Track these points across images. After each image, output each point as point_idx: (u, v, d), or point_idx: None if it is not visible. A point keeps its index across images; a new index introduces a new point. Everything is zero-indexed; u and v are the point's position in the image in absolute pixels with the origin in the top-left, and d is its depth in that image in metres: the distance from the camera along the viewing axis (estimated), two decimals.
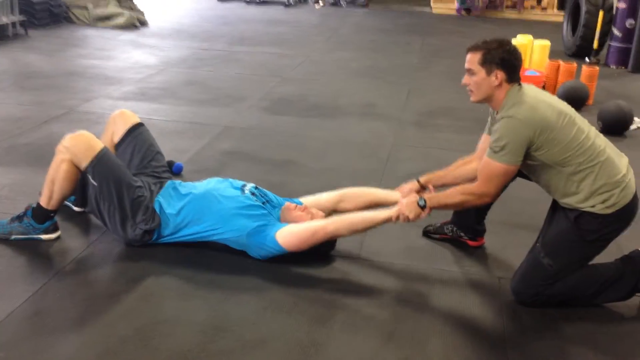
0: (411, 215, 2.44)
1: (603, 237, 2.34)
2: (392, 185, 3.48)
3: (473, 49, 2.35)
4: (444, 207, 2.48)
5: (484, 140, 2.59)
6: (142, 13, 8.31)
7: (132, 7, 8.29)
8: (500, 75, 2.31)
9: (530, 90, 2.35)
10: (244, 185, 2.76)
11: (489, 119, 2.55)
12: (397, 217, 2.48)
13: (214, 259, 2.65)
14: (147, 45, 6.94)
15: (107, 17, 7.82)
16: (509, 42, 2.36)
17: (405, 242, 2.89)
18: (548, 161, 2.28)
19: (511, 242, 2.91)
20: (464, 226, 2.84)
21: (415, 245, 2.87)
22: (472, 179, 2.55)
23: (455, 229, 2.86)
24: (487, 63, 2.31)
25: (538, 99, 2.30)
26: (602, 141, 2.35)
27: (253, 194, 2.71)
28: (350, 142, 4.19)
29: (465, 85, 2.40)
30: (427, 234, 2.94)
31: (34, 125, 4.22)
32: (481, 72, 2.32)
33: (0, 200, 3.10)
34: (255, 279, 2.53)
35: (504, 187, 2.36)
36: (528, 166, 2.35)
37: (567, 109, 2.34)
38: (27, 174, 3.44)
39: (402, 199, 2.58)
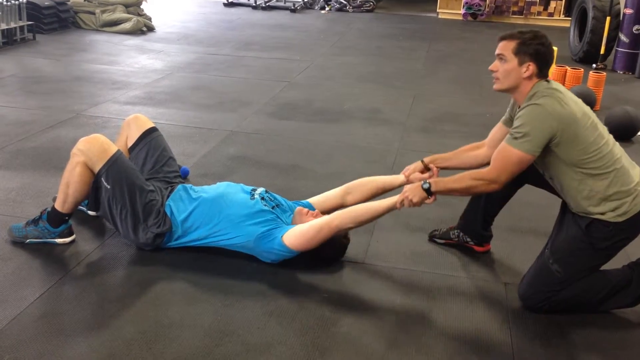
0: (415, 199, 2.36)
1: (613, 246, 2.33)
2: (397, 190, 3.48)
3: (508, 36, 2.31)
4: (450, 191, 2.38)
5: (498, 129, 2.58)
6: (149, 18, 8.35)
7: (139, 13, 8.33)
8: (532, 67, 2.28)
9: (560, 87, 2.32)
10: (254, 190, 2.76)
11: (508, 110, 2.53)
12: (402, 203, 2.42)
13: (219, 263, 2.65)
14: (153, 50, 6.97)
15: (115, 23, 7.86)
16: (545, 36, 2.32)
17: (410, 247, 2.88)
18: (566, 159, 2.25)
19: (517, 247, 2.90)
20: (470, 231, 2.83)
21: (420, 251, 2.86)
22: (478, 165, 2.55)
23: (461, 234, 2.85)
24: (521, 53, 2.28)
25: (566, 95, 2.29)
26: (619, 150, 2.33)
27: (263, 198, 2.71)
28: (355, 147, 4.19)
29: (492, 71, 2.36)
30: (432, 239, 2.93)
31: (41, 129, 4.24)
32: (513, 61, 2.29)
33: (8, 204, 3.12)
34: (260, 284, 2.53)
35: (513, 178, 2.30)
36: (545, 162, 2.31)
37: (591, 113, 2.33)
38: (34, 177, 3.45)
39: (407, 181, 2.58)
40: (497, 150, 2.30)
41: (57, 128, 4.29)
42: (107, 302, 2.37)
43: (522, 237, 3.01)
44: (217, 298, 2.42)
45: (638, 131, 4.59)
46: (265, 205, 2.67)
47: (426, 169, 2.68)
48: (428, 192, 2.36)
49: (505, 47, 2.31)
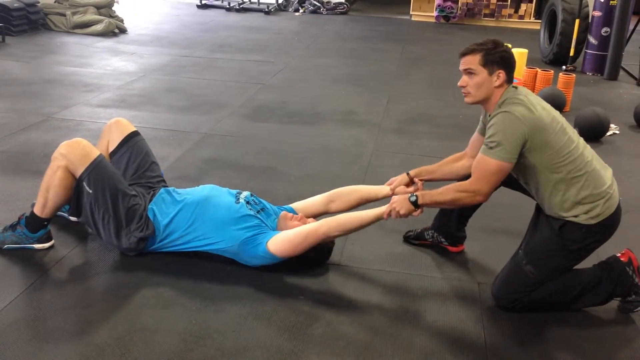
0: (402, 212, 2.39)
1: (586, 248, 2.37)
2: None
3: (470, 51, 2.33)
4: (436, 204, 2.42)
5: (475, 139, 2.60)
6: (121, 20, 8.26)
7: (111, 14, 8.23)
8: (502, 74, 2.30)
9: (527, 92, 2.35)
10: (239, 193, 2.74)
11: (481, 118, 2.55)
12: (389, 214, 2.44)
13: (193, 266, 2.63)
14: (126, 52, 6.90)
15: (86, 24, 7.76)
16: (503, 43, 2.35)
17: (385, 248, 2.90)
18: (538, 164, 2.28)
19: (491, 247, 2.93)
20: (445, 232, 2.85)
21: (395, 252, 2.87)
22: (462, 176, 2.56)
23: (435, 234, 2.87)
24: (489, 63, 2.30)
25: (534, 101, 2.31)
26: (589, 153, 2.37)
27: (248, 202, 2.68)
28: (330, 148, 4.20)
29: (461, 86, 2.37)
30: (407, 239, 2.95)
31: (10, 132, 4.16)
32: (483, 73, 2.31)
33: None
34: (235, 287, 2.51)
35: (496, 188, 2.32)
36: (519, 168, 2.33)
37: (560, 117, 2.36)
38: (4, 181, 3.39)
39: (392, 192, 2.60)
40: (476, 162, 2.32)
41: (27, 131, 4.21)
42: (80, 307, 2.34)
43: (495, 237, 3.04)
44: (192, 302, 2.40)
45: (607, 132, 4.68)
46: (250, 209, 2.64)
47: (411, 181, 2.70)
48: (415, 204, 2.39)
49: (471, 61, 2.32)
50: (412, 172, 2.71)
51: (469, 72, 2.34)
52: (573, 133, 2.36)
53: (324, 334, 2.26)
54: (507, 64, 2.31)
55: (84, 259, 2.68)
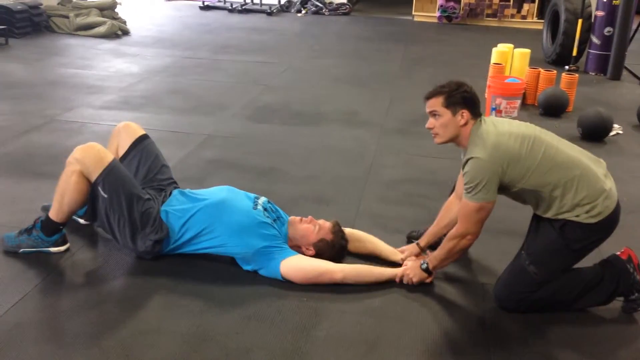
0: (415, 279, 2.54)
1: (587, 246, 2.38)
2: (375, 192, 3.50)
3: (433, 94, 2.41)
4: (443, 261, 2.51)
5: (461, 180, 2.62)
6: (124, 22, 8.28)
7: (114, 16, 8.25)
8: (465, 114, 2.37)
9: (490, 126, 2.38)
10: (257, 198, 2.73)
11: (462, 157, 2.57)
12: (402, 278, 2.57)
13: (196, 268, 2.64)
14: (129, 54, 6.91)
15: (89, 26, 7.77)
16: (464, 83, 2.42)
17: None
18: (528, 187, 2.33)
19: (494, 248, 2.93)
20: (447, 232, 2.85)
21: None
22: None
23: None
24: (452, 104, 2.37)
25: (499, 133, 2.34)
26: (575, 151, 2.38)
27: (265, 209, 2.68)
28: (333, 149, 4.20)
29: (429, 128, 2.45)
30: (410, 240, 2.95)
31: (14, 135, 4.18)
32: (447, 114, 2.38)
33: None
34: (239, 288, 2.52)
35: (483, 225, 2.38)
36: (512, 195, 2.42)
37: (530, 131, 2.38)
38: (8, 184, 3.40)
39: (402, 261, 2.69)
40: (459, 207, 2.43)
41: (30, 133, 4.23)
42: (84, 309, 2.34)
43: (498, 237, 3.04)
44: (196, 304, 2.41)
45: (610, 132, 4.67)
46: (267, 216, 2.64)
47: (422, 250, 2.76)
48: (427, 271, 2.53)
49: (435, 104, 2.40)
50: (421, 242, 2.77)
51: (433, 114, 2.42)
52: (550, 138, 2.39)
53: (327, 335, 2.26)
54: (469, 103, 2.38)
55: (87, 262, 2.68)
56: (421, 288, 2.58)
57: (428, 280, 2.56)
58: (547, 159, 2.30)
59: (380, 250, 2.78)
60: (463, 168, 2.38)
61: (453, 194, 2.74)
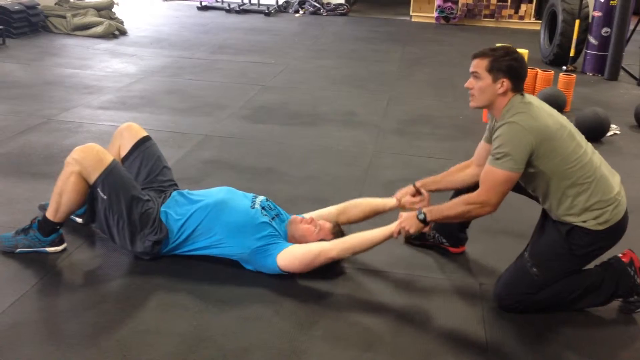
0: (412, 230, 2.43)
1: (592, 253, 2.37)
2: (373, 192, 3.49)
3: (480, 54, 2.33)
4: (445, 218, 2.42)
5: (482, 148, 2.59)
6: (121, 22, 8.26)
7: (111, 16, 8.24)
8: (506, 83, 2.29)
9: (534, 100, 2.35)
10: (255, 197, 2.73)
11: (488, 126, 2.54)
12: (399, 232, 2.47)
13: (194, 268, 2.63)
14: (126, 54, 6.90)
15: (86, 26, 7.76)
16: (516, 51, 2.34)
17: (386, 249, 2.88)
18: (548, 171, 2.27)
19: (492, 248, 2.93)
20: (447, 233, 2.85)
21: (396, 252, 2.87)
22: (469, 184, 2.56)
23: (437, 235, 2.87)
24: (495, 70, 2.29)
25: (540, 109, 2.31)
26: (598, 159, 2.36)
27: (263, 207, 2.67)
28: (331, 149, 4.20)
29: (468, 88, 2.37)
30: (408, 240, 2.95)
31: (11, 135, 4.17)
32: (487, 78, 2.30)
33: None
34: (236, 289, 2.51)
35: (504, 198, 2.30)
36: (527, 176, 2.33)
37: (567, 123, 2.35)
38: (5, 184, 3.39)
39: (399, 203, 2.61)
40: (484, 172, 2.32)
41: (28, 133, 4.22)
42: (81, 309, 2.34)
43: (496, 238, 3.04)
44: (193, 304, 2.40)
45: (607, 132, 4.68)
46: (265, 214, 2.64)
47: (418, 192, 2.70)
48: (424, 222, 2.41)
49: (479, 65, 2.32)
50: (418, 183, 2.70)
51: (475, 75, 2.34)
52: (581, 138, 2.35)
53: (325, 335, 2.25)
54: (513, 73, 2.30)
55: (85, 262, 2.67)
56: (421, 288, 2.58)
57: (425, 230, 2.47)
58: (575, 154, 2.27)
59: (376, 205, 2.78)
60: (494, 133, 2.32)
61: (469, 160, 2.67)
